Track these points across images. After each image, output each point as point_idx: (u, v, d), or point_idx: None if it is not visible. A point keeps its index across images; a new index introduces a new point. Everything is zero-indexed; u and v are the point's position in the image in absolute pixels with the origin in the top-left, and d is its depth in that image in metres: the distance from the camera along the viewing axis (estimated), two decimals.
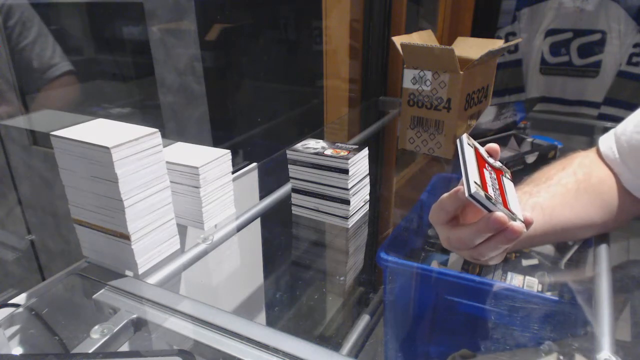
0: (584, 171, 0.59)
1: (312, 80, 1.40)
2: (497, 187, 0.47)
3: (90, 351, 0.42)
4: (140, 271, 0.53)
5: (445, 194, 0.48)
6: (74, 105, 1.13)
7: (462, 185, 0.44)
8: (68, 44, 1.12)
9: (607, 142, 0.62)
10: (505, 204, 0.45)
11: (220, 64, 1.18)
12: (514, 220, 0.44)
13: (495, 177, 0.48)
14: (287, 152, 0.70)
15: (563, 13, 1.50)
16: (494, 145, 0.51)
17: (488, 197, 0.43)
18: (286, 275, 0.74)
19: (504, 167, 0.52)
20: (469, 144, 0.48)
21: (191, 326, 0.45)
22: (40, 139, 1.23)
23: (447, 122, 0.91)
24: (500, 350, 0.51)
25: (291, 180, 0.71)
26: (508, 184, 0.50)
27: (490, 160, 0.51)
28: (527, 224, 0.45)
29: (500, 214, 0.43)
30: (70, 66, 1.08)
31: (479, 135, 0.90)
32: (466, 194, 0.43)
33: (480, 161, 0.48)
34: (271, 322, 0.69)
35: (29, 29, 1.02)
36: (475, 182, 0.43)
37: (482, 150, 0.51)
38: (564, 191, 0.57)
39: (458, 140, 0.48)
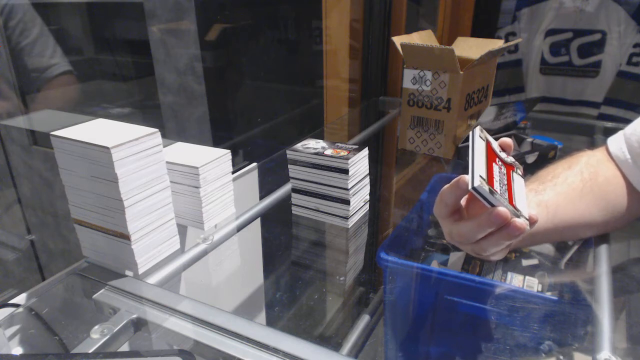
0: (590, 170, 0.59)
1: (312, 80, 1.40)
2: (505, 182, 0.46)
3: (90, 351, 0.42)
4: (140, 271, 0.53)
5: (446, 186, 0.47)
6: (73, 105, 1.13)
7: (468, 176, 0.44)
8: (68, 44, 1.12)
9: (616, 143, 0.62)
10: (511, 200, 0.44)
11: (220, 64, 1.18)
12: (518, 217, 0.43)
13: (504, 172, 0.48)
14: (287, 152, 0.70)
15: (563, 13, 1.50)
16: (507, 140, 0.51)
17: (492, 192, 0.42)
18: (286, 275, 0.74)
19: (516, 162, 0.51)
20: (480, 137, 0.47)
21: (191, 326, 0.45)
22: (40, 139, 1.23)
23: (447, 122, 0.91)
24: (500, 350, 0.51)
25: (291, 180, 0.71)
26: (518, 180, 0.49)
27: (503, 155, 0.50)
28: (532, 222, 0.45)
29: (503, 209, 0.42)
30: (70, 66, 1.08)
31: None
32: (469, 187, 0.42)
33: (491, 155, 0.47)
34: (271, 322, 0.69)
35: (30, 29, 1.02)
36: (481, 176, 0.42)
37: (494, 144, 0.50)
38: (569, 190, 0.57)
39: (470, 132, 0.47)
